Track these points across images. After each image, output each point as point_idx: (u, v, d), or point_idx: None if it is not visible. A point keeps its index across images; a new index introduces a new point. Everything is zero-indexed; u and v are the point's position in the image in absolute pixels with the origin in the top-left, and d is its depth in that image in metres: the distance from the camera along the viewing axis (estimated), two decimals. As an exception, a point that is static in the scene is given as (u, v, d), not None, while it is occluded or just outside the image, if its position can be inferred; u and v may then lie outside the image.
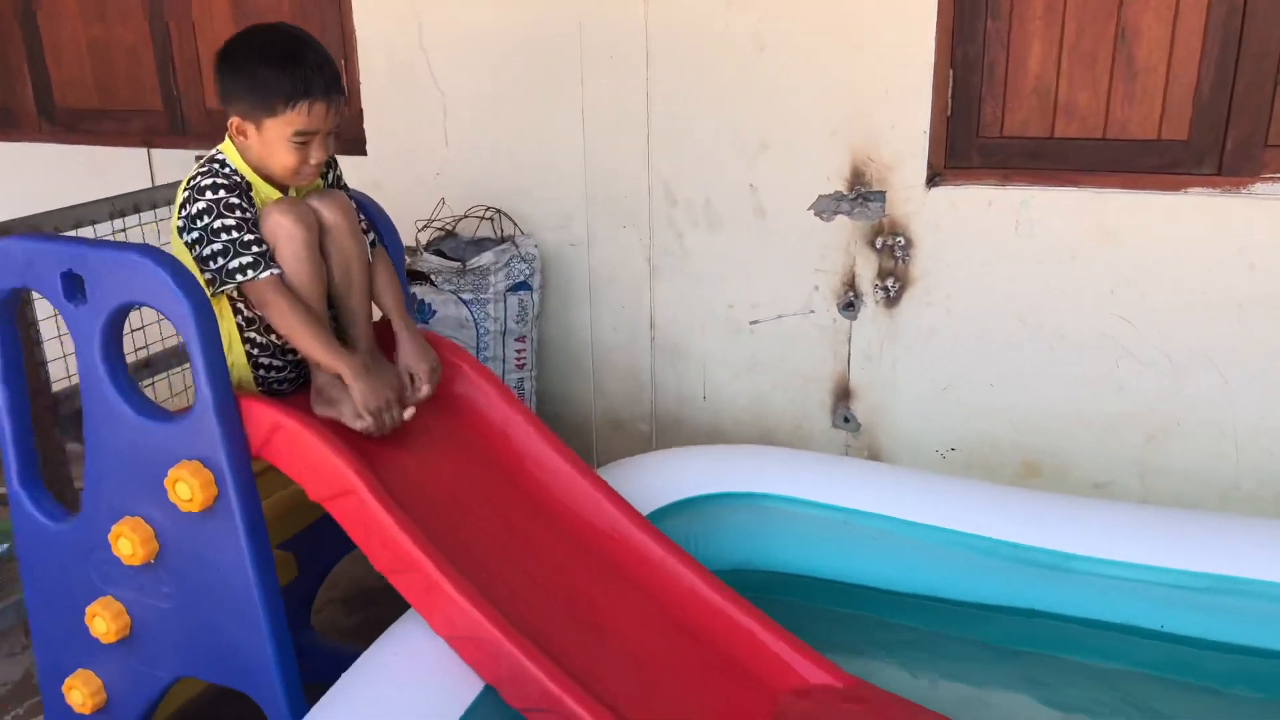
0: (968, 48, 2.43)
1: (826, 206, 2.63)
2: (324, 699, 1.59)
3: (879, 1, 2.44)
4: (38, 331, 2.40)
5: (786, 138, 2.62)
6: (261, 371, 1.81)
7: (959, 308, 2.59)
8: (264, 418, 1.66)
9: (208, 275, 1.71)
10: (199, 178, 1.73)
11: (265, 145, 1.73)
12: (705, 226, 2.76)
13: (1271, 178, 2.27)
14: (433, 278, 2.71)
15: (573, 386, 3.05)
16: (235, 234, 1.69)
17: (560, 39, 2.74)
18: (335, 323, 1.84)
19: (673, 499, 2.13)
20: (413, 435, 1.86)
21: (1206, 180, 2.32)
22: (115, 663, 1.87)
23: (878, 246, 2.62)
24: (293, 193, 1.81)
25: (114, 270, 1.59)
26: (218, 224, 1.69)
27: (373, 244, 1.92)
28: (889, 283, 2.63)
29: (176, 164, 3.24)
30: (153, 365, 2.60)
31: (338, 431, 1.73)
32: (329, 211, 1.78)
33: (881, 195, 2.58)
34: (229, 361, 1.70)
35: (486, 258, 2.69)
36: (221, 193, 1.70)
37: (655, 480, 2.16)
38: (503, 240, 2.84)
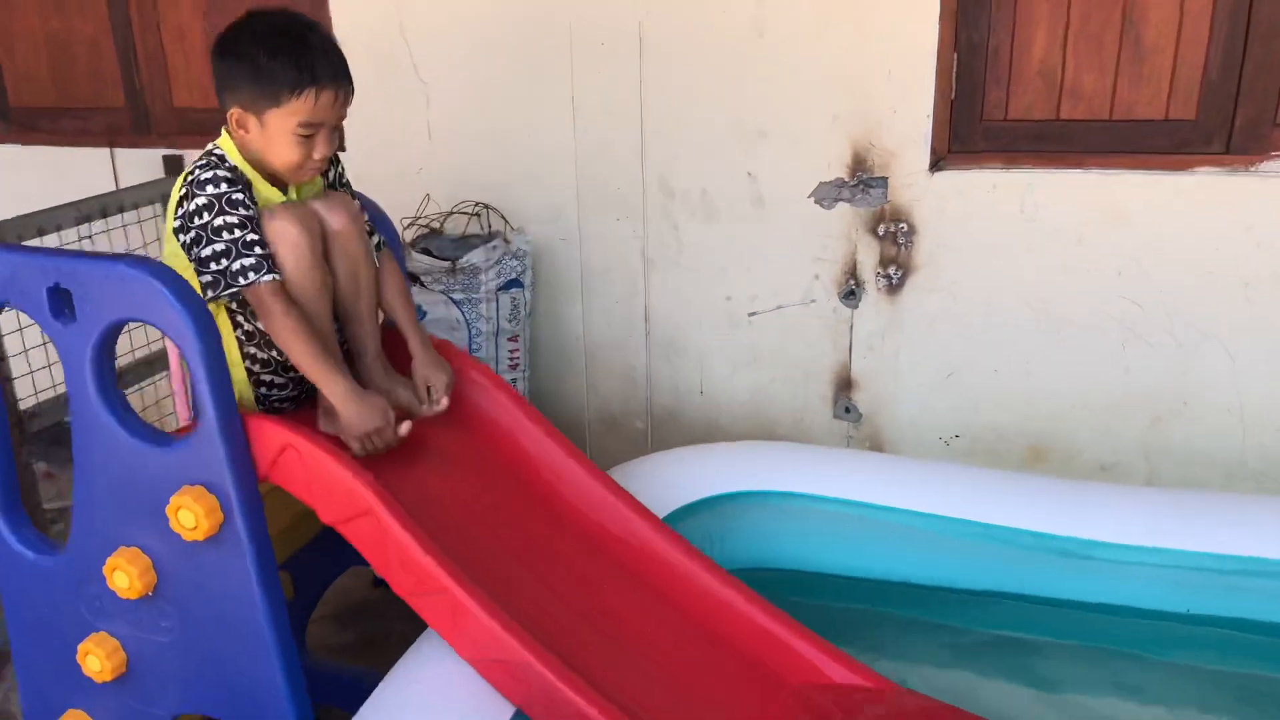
0: (972, 31, 2.37)
1: (827, 194, 2.57)
2: (349, 733, 1.50)
3: (880, -17, 2.38)
4: (1, 345, 2.28)
5: (786, 125, 2.55)
6: (263, 389, 1.71)
7: (963, 294, 2.54)
8: (272, 438, 1.57)
9: (207, 278, 1.60)
10: (198, 171, 1.62)
11: (267, 138, 1.62)
12: (702, 217, 2.69)
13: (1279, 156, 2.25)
14: (422, 278, 2.61)
15: (565, 385, 2.96)
16: (238, 233, 1.58)
17: (548, 25, 2.64)
18: (340, 334, 1.75)
19: (688, 500, 2.06)
20: (425, 448, 1.77)
21: (1214, 159, 2.29)
22: (110, 702, 1.76)
23: (880, 234, 2.56)
24: (293, 193, 1.70)
25: (106, 284, 1.48)
26: (219, 221, 1.58)
27: (378, 247, 1.82)
28: (891, 270, 2.58)
29: (143, 165, 3.09)
30: (123, 378, 2.48)
31: (367, 457, 1.64)
32: (334, 217, 1.68)
33: (884, 181, 2.52)
34: (229, 378, 1.60)
35: (477, 256, 2.60)
36: (224, 187, 1.59)
37: (669, 481, 2.09)
38: (491, 236, 2.75)
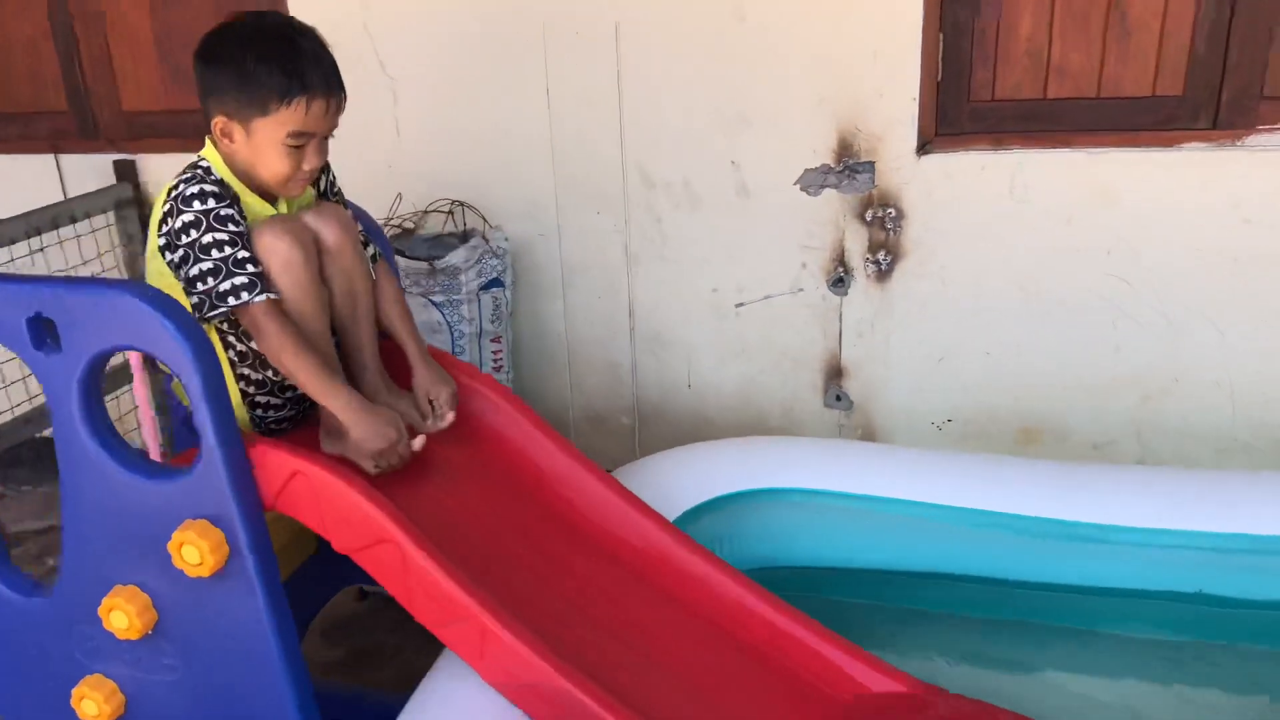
0: (958, 10, 2.34)
1: (813, 181, 2.53)
2: (378, 772, 1.43)
3: (863, -36, 2.34)
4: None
5: (769, 111, 2.50)
6: (259, 411, 1.62)
7: (953, 277, 2.52)
8: (279, 465, 1.48)
9: (195, 298, 1.50)
10: (183, 186, 1.51)
11: (254, 149, 1.52)
12: (685, 208, 2.63)
13: (1266, 129, 2.25)
14: (400, 281, 2.51)
15: (548, 384, 2.89)
16: (228, 250, 1.48)
17: (520, 14, 2.55)
18: (338, 350, 1.66)
19: (697, 500, 2.01)
20: (434, 466, 1.69)
21: (1202, 135, 2.29)
22: (109, 747, 1.67)
23: (868, 219, 2.53)
24: (283, 206, 1.60)
25: (95, 312, 1.38)
26: (208, 239, 1.48)
27: (373, 258, 1.73)
28: (880, 256, 2.55)
29: (91, 171, 2.94)
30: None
31: (363, 473, 1.55)
32: (329, 230, 1.59)
33: (870, 166, 2.49)
34: (222, 403, 1.50)
35: (457, 256, 2.51)
36: (211, 203, 1.49)
37: (674, 482, 2.03)
38: (466, 235, 2.66)
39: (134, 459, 1.48)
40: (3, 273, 1.52)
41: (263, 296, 1.49)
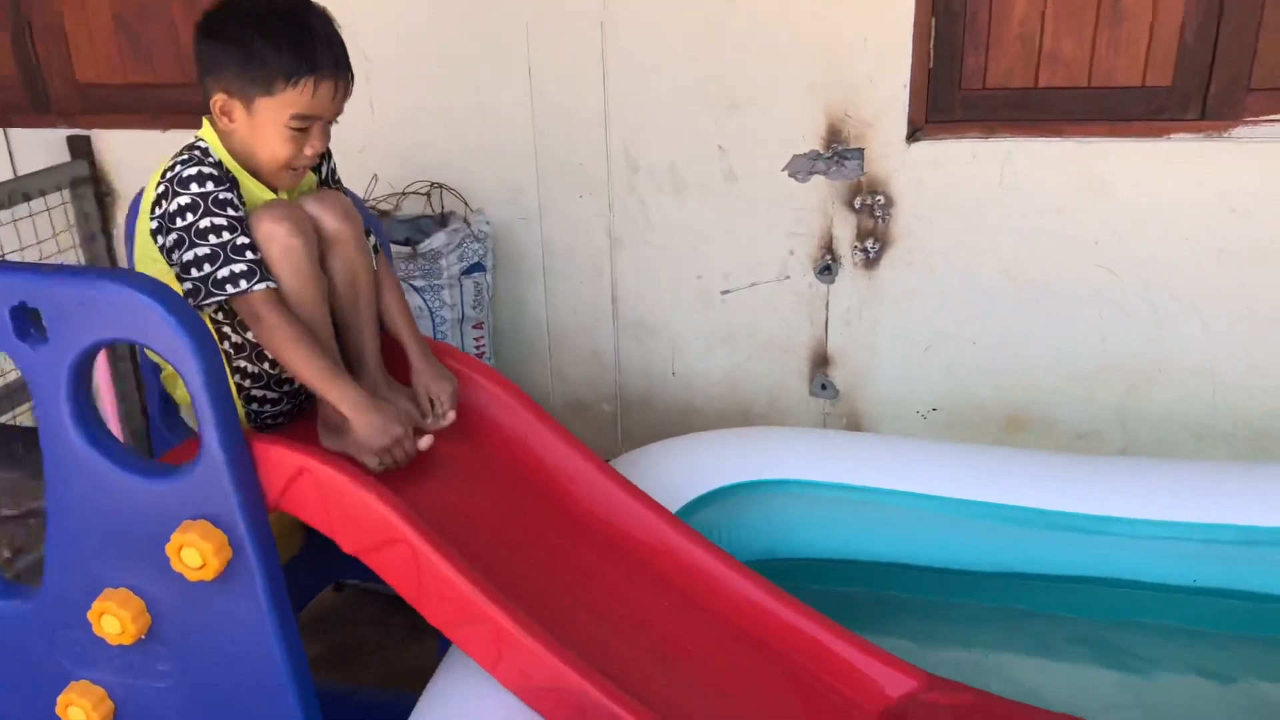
0: (951, -4, 2.32)
1: (801, 167, 2.50)
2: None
3: (856, -53, 2.30)
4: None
5: (758, 95, 2.46)
6: (254, 406, 1.54)
7: (941, 266, 2.51)
8: (283, 463, 1.41)
9: (189, 285, 1.41)
10: (179, 167, 1.43)
11: (255, 130, 1.44)
12: (671, 193, 2.58)
13: (1253, 121, 2.27)
14: (380, 266, 2.42)
15: (529, 371, 2.83)
16: (226, 235, 1.40)
17: (504, -8, 2.47)
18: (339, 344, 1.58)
19: (698, 492, 1.98)
20: (437, 462, 1.63)
21: (1190, 126, 2.30)
22: (96, 757, 1.58)
23: (856, 206, 2.50)
24: (283, 191, 1.52)
25: (86, 303, 1.29)
26: (205, 223, 1.39)
27: (374, 249, 1.65)
28: (868, 244, 2.53)
29: (42, 146, 2.80)
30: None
31: (368, 470, 1.49)
32: (331, 218, 1.51)
33: (860, 153, 2.46)
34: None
35: (438, 240, 2.43)
36: (210, 185, 1.41)
37: (673, 473, 2.00)
38: (444, 219, 2.58)
39: (128, 457, 1.40)
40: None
41: (262, 285, 1.41)
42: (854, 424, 2.71)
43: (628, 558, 1.74)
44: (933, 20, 2.35)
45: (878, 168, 2.46)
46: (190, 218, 1.40)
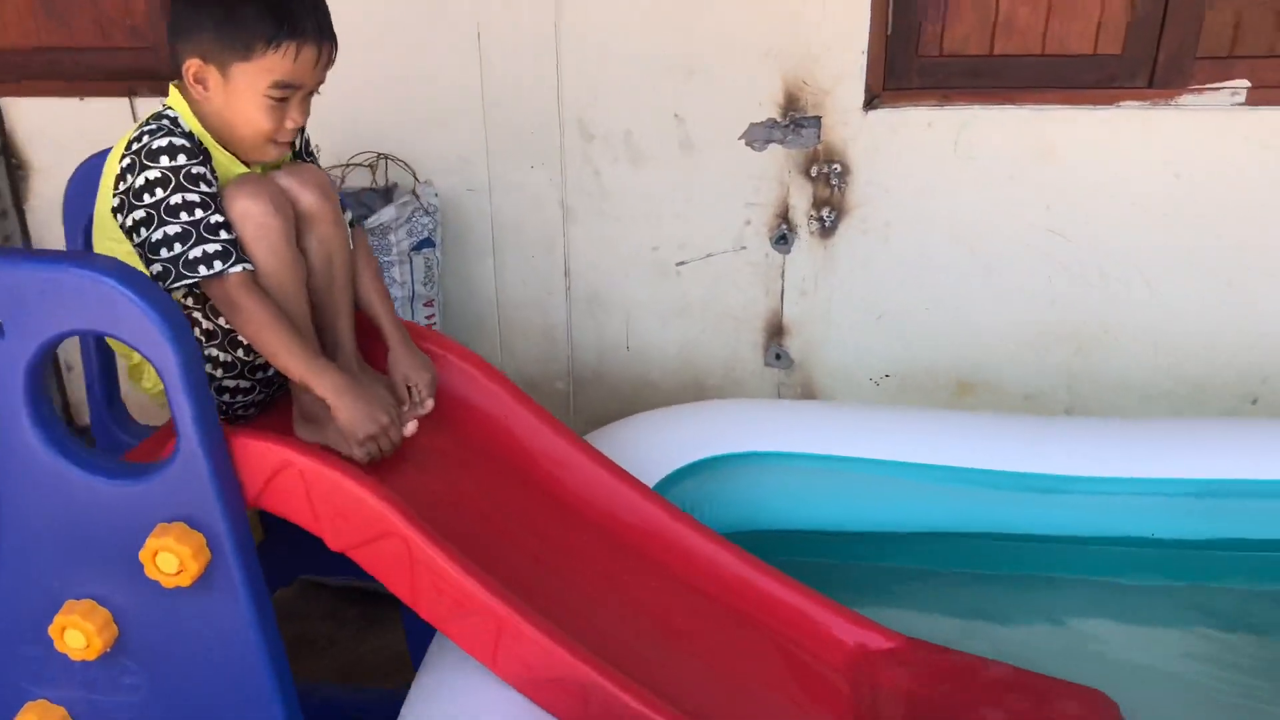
0: (910, -39, 2.30)
1: (759, 135, 2.46)
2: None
3: (814, -90, 2.26)
4: None
5: (715, 62, 2.41)
6: (226, 397, 1.44)
7: (896, 234, 2.52)
8: (264, 457, 1.32)
9: (157, 267, 1.31)
10: (148, 138, 1.32)
11: (231, 99, 1.34)
12: (626, 162, 2.52)
13: (1198, 89, 2.32)
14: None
15: (477, 348, 2.71)
16: (199, 213, 1.30)
17: (450, -47, 2.37)
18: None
19: (673, 467, 1.95)
20: (418, 450, 1.56)
21: (1138, 93, 2.34)
22: (57, 779, 1.48)
23: (813, 175, 2.48)
24: (255, 166, 1.42)
25: (48, 291, 1.18)
26: (176, 199, 1.29)
27: (351, 224, 1.56)
28: (824, 212, 2.52)
29: (-55, 117, 2.59)
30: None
31: (354, 462, 1.41)
32: (307, 194, 1.41)
33: (817, 121, 2.44)
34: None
35: (387, 214, 2.33)
36: (182, 158, 1.30)
37: (647, 447, 1.96)
38: (388, 191, 2.48)
39: (92, 458, 1.30)
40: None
41: (238, 267, 1.31)
42: (808, 393, 2.71)
43: (614, 538, 1.70)
44: (891, -15, 2.34)
45: (835, 135, 2.44)
46: (160, 193, 1.29)
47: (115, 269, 1.18)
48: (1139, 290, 2.49)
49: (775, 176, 2.50)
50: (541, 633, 1.36)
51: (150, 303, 1.18)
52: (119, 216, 1.32)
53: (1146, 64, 2.32)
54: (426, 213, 2.43)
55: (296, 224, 1.40)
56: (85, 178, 1.64)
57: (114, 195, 1.32)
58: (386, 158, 2.49)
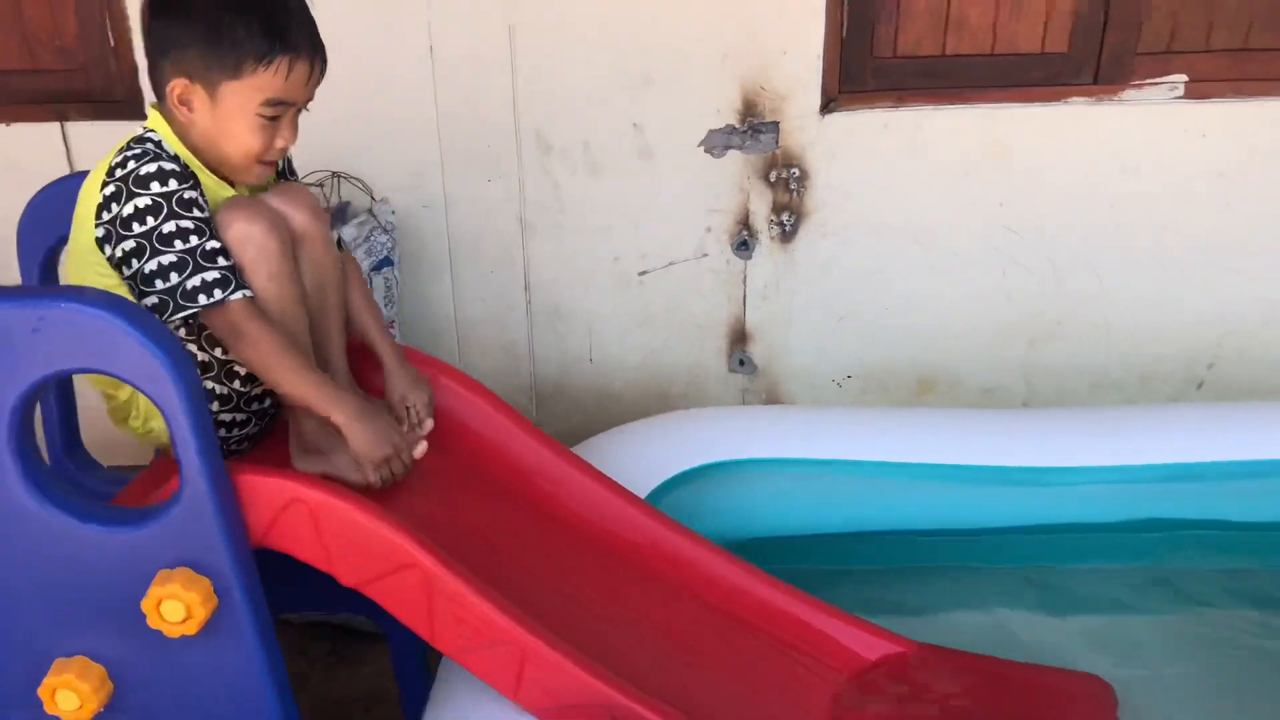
0: (863, -36, 2.33)
1: (717, 142, 2.46)
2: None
3: (766, -84, 2.27)
4: None
5: (672, 69, 2.40)
6: (222, 431, 1.37)
7: (855, 237, 2.54)
8: (271, 494, 1.25)
9: (153, 299, 1.24)
10: (133, 163, 1.24)
11: (219, 120, 1.27)
12: (585, 173, 2.49)
13: (1140, 84, 2.39)
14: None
15: (436, 367, 2.68)
16: (194, 240, 1.23)
17: (399, -36, 2.31)
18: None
19: (664, 477, 1.93)
20: (417, 473, 1.50)
21: (1084, 90, 2.41)
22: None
23: (772, 180, 2.49)
24: (243, 187, 1.35)
25: (39, 329, 1.10)
26: (169, 227, 1.22)
27: (340, 245, 1.49)
28: (784, 217, 2.52)
29: None
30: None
31: (362, 492, 1.35)
32: (299, 214, 1.35)
33: (775, 126, 2.44)
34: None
35: (346, 234, 2.25)
36: (173, 183, 1.23)
37: (637, 459, 1.94)
38: (342, 210, 2.40)
39: (87, 507, 1.21)
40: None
41: (239, 294, 1.25)
42: (772, 397, 2.72)
43: (614, 553, 1.67)
44: (844, -12, 2.36)
45: (792, 140, 2.45)
46: (152, 221, 1.22)
47: (111, 303, 1.10)
48: (1088, 282, 2.56)
49: (735, 183, 2.50)
50: (567, 659, 1.33)
51: (151, 337, 1.11)
52: (106, 248, 1.24)
53: (1091, 61, 2.39)
54: (385, 231, 2.36)
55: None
56: (41, 208, 1.55)
57: (97, 225, 1.24)
58: (339, 175, 2.42)
